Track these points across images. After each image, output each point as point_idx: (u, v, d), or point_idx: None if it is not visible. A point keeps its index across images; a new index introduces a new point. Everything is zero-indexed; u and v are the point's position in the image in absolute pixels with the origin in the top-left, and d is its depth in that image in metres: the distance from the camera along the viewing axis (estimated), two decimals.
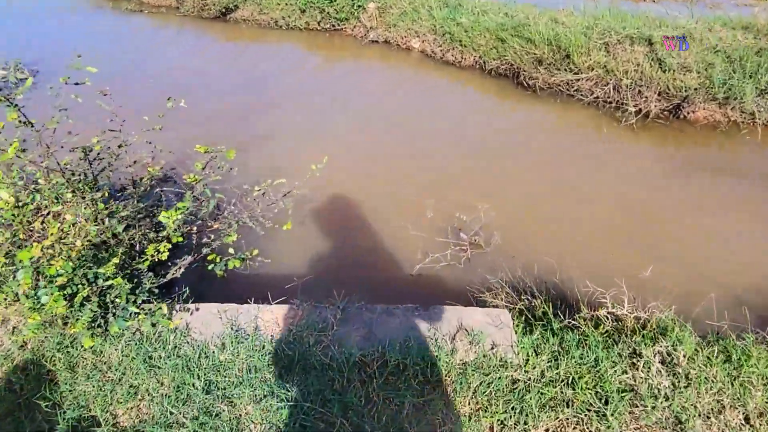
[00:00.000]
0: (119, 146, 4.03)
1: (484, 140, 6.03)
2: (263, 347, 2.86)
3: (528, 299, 3.75)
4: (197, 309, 3.16)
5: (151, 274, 3.19)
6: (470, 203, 4.85)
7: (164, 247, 3.24)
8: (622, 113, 6.31)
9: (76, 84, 3.69)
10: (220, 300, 4.28)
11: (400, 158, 5.74)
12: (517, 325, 3.12)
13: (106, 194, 3.95)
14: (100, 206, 3.60)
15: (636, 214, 4.71)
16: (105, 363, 2.85)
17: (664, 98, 6.32)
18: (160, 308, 2.91)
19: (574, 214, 4.80)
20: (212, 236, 4.28)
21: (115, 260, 3.02)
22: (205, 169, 3.90)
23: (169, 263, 3.75)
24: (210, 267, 3.61)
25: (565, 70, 6.87)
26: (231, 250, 3.73)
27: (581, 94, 6.70)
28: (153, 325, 2.87)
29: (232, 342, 2.87)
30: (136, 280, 3.22)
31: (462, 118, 6.59)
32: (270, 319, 3.06)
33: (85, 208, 3.52)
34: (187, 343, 2.93)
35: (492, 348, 2.87)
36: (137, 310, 2.81)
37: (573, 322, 3.25)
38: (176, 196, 4.18)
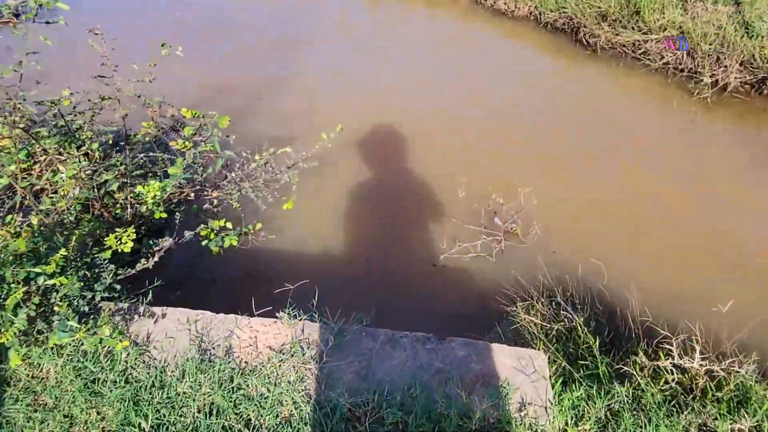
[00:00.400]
0: (102, 98, 3.32)
1: (532, 105, 5.08)
2: (231, 379, 2.20)
3: (569, 316, 2.99)
4: (163, 315, 2.49)
5: (112, 267, 2.53)
6: (509, 183, 4.01)
7: (127, 237, 2.55)
8: (695, 84, 5.22)
9: (47, 23, 2.97)
10: (212, 276, 3.68)
11: (432, 121, 4.87)
12: (556, 375, 2.37)
13: (90, 151, 3.30)
14: (74, 168, 2.95)
15: (711, 215, 3.79)
16: (40, 382, 2.23)
17: (746, 69, 5.19)
18: (105, 325, 2.24)
19: (632, 208, 3.92)
20: (215, 201, 3.65)
21: (63, 252, 2.36)
22: (197, 135, 3.18)
23: (151, 242, 3.11)
24: (204, 243, 2.98)
25: (633, 28, 5.74)
26: (228, 225, 3.09)
27: (648, 58, 5.59)
28: (100, 341, 2.21)
29: (193, 371, 2.21)
30: (96, 270, 2.57)
31: (509, 77, 5.60)
32: (247, 338, 2.38)
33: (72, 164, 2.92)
34: (143, 362, 2.28)
35: (520, 408, 2.13)
36: (76, 325, 2.16)
37: (624, 367, 2.48)
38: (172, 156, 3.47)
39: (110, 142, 3.79)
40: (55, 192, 3.18)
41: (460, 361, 2.28)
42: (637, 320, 2.90)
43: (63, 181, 3.09)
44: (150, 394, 2.15)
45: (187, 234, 2.94)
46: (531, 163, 4.36)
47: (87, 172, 3.26)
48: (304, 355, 2.28)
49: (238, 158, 3.49)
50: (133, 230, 2.61)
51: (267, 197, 3.44)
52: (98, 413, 2.11)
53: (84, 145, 3.29)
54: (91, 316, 2.42)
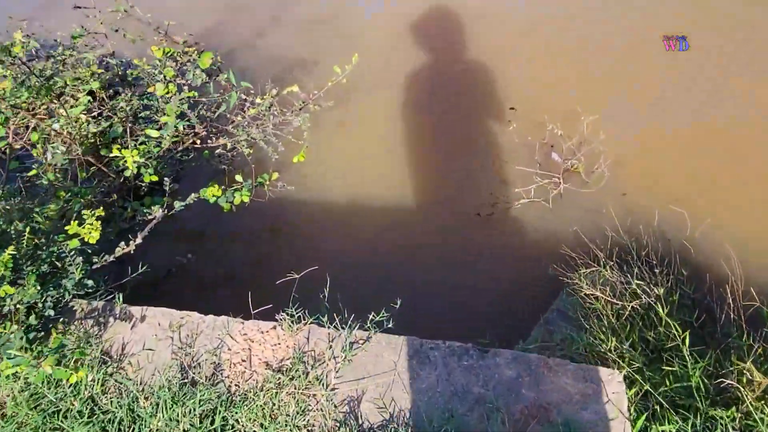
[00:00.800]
0: (73, 37, 2.65)
1: (597, 7, 4.04)
2: (214, 411, 1.68)
3: (647, 288, 2.29)
4: (143, 318, 1.96)
5: (80, 259, 1.99)
6: (570, 110, 3.18)
7: (90, 226, 1.97)
8: None
9: None
10: (232, 229, 3.14)
11: (475, 30, 3.91)
12: (634, 390, 1.73)
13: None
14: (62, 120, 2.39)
15: None
16: None
17: None
18: (58, 347, 1.71)
19: (727, 138, 3.05)
20: (228, 145, 3.10)
21: (11, 250, 1.82)
22: (179, 78, 2.52)
23: (147, 208, 2.58)
24: (213, 200, 2.42)
25: None
26: (239, 177, 2.52)
27: None
28: (49, 374, 1.70)
29: (169, 402, 1.69)
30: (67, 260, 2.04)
31: None
32: (240, 350, 1.83)
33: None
34: (114, 385, 1.79)
35: None
36: (19, 354, 1.65)
37: (725, 380, 1.81)
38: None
39: (119, 73, 3.21)
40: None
41: (508, 385, 1.66)
42: (738, 298, 2.17)
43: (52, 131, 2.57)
44: (119, 430, 1.66)
45: (177, 205, 2.36)
46: (596, 83, 3.46)
47: (91, 115, 2.73)
48: (307, 376, 1.72)
49: (248, 95, 2.81)
50: (102, 211, 2.04)
51: (278, 144, 2.81)
52: None
53: (63, 93, 2.70)
54: (60, 320, 1.93)
